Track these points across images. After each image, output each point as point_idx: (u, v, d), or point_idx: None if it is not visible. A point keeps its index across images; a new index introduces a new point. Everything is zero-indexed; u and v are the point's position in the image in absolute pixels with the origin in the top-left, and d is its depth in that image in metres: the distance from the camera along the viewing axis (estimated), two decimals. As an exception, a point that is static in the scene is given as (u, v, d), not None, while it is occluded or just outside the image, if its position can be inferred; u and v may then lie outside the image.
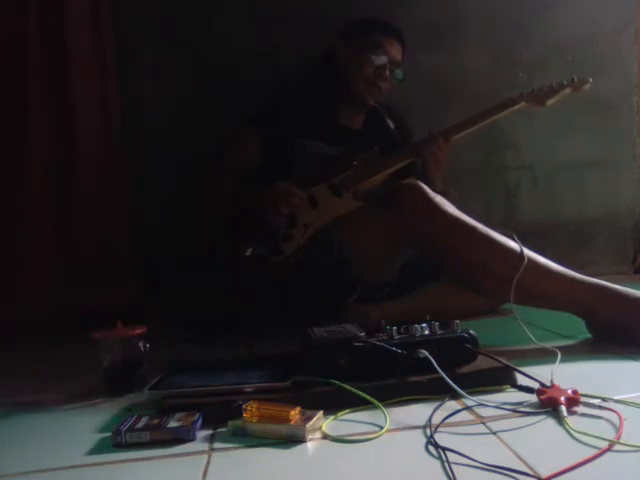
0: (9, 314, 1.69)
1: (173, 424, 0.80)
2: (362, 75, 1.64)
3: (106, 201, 1.80)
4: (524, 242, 1.25)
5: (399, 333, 0.95)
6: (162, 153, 1.87)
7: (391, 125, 1.72)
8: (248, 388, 0.89)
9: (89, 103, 1.77)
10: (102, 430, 0.86)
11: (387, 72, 1.64)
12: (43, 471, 0.74)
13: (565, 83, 1.54)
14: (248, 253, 1.40)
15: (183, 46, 1.89)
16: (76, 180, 1.77)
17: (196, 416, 0.82)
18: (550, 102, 1.55)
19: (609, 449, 0.67)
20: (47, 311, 1.71)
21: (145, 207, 1.87)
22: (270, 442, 0.77)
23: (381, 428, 0.78)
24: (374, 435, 0.76)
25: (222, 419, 0.82)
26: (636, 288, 1.19)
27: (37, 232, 1.73)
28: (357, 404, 0.86)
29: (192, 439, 0.79)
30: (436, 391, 0.87)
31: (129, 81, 1.85)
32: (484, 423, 0.78)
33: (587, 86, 1.55)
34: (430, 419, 0.80)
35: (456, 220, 1.30)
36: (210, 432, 0.82)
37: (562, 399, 0.79)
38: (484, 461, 0.65)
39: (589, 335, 1.23)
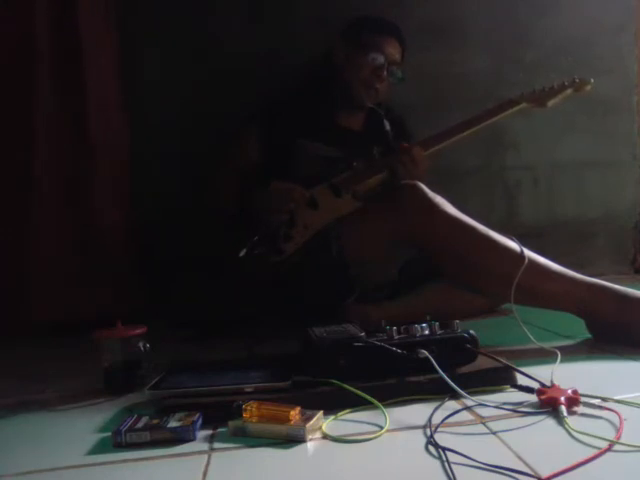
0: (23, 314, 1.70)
1: (173, 424, 0.80)
2: (358, 76, 1.62)
3: (111, 200, 1.80)
4: (524, 242, 1.25)
5: (399, 333, 0.95)
6: (162, 154, 1.86)
7: (387, 126, 1.72)
8: (248, 388, 0.89)
9: (103, 103, 1.77)
10: (102, 430, 0.86)
11: (384, 73, 1.62)
12: (43, 471, 0.74)
13: (566, 84, 1.54)
14: (242, 254, 1.40)
15: (183, 47, 1.89)
16: (89, 181, 1.76)
17: (196, 416, 0.82)
18: (551, 103, 1.53)
19: (609, 449, 0.67)
20: (50, 311, 1.71)
21: (145, 207, 1.87)
22: (270, 442, 0.77)
23: (381, 428, 0.78)
24: (374, 435, 0.76)
25: (222, 419, 0.82)
26: (636, 288, 1.19)
27: (45, 233, 1.72)
28: (357, 404, 0.86)
29: (192, 439, 0.79)
30: (436, 391, 0.87)
31: (129, 81, 1.84)
32: (484, 423, 0.78)
33: (589, 87, 1.54)
34: (430, 419, 0.80)
35: (456, 220, 1.30)
36: (210, 432, 0.82)
37: (562, 399, 0.79)
38: (484, 461, 0.65)
39: (589, 335, 1.23)
